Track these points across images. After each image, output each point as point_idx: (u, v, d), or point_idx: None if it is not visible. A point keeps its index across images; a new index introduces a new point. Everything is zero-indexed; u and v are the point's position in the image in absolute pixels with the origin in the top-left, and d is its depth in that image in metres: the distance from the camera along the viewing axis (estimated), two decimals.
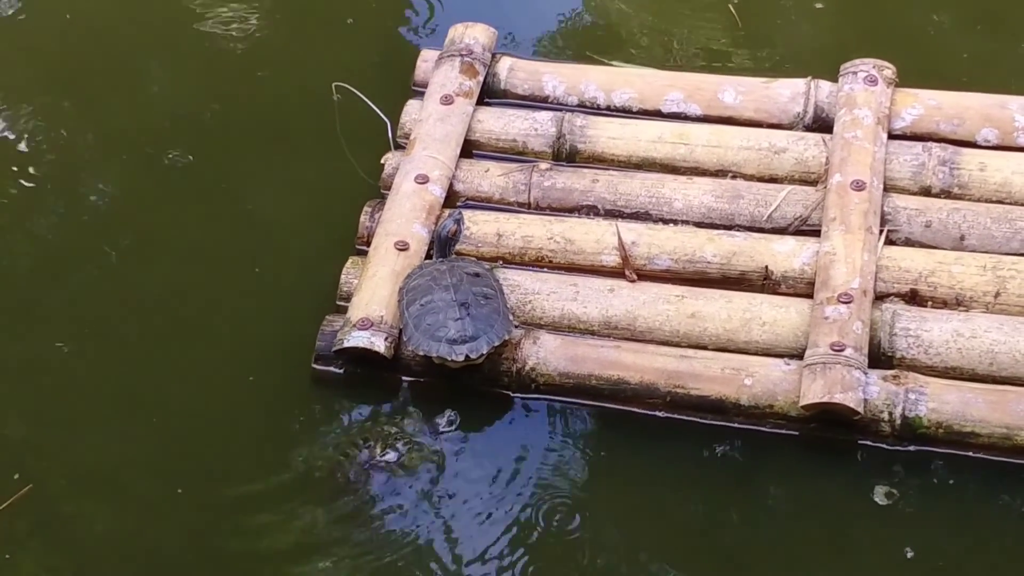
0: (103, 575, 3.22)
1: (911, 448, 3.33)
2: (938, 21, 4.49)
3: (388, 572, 3.19)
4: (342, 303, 3.61)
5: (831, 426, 3.34)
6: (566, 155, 3.92)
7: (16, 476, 3.34)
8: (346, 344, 3.46)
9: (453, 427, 3.43)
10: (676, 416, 3.42)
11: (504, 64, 4.11)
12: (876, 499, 3.28)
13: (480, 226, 3.72)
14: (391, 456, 3.36)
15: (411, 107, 4.04)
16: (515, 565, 3.18)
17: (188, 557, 3.25)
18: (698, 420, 3.41)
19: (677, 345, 3.49)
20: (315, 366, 3.53)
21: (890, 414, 3.31)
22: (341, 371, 3.53)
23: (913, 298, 3.52)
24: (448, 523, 3.27)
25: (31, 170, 4.08)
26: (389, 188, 3.83)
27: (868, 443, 3.34)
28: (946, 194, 3.74)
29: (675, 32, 4.46)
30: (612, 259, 3.66)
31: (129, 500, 3.34)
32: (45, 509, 3.30)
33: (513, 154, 3.95)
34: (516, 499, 3.29)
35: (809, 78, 3.98)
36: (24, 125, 4.20)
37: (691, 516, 3.30)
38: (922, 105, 3.90)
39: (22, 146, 4.14)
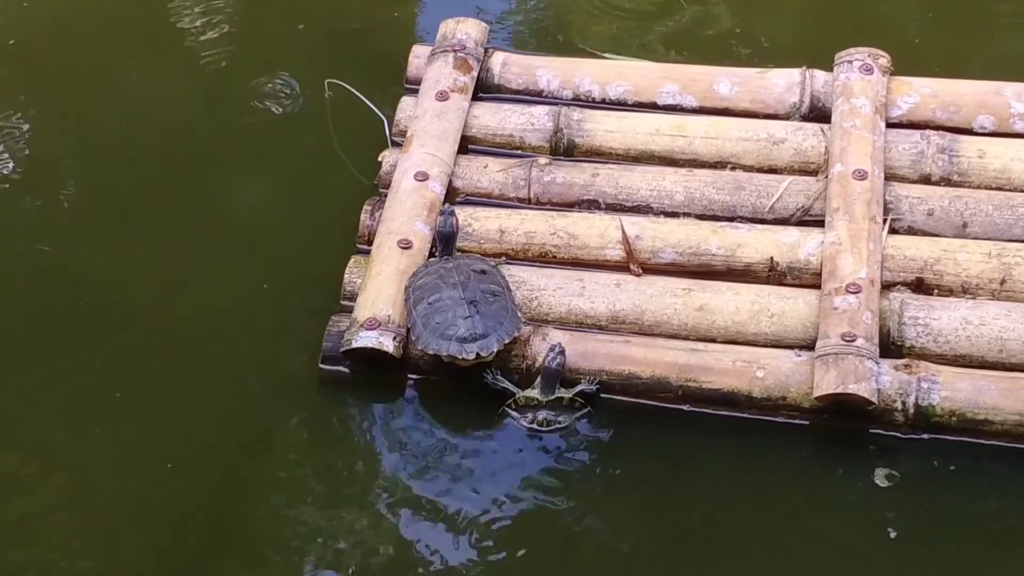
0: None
1: (924, 436, 3.34)
2: (897, 9, 4.51)
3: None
4: (346, 303, 3.58)
5: (843, 416, 3.35)
6: (564, 149, 3.90)
7: None
8: (354, 345, 3.43)
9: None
10: (679, 407, 3.42)
11: (497, 59, 4.09)
12: (876, 481, 3.29)
13: (482, 222, 3.70)
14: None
15: (406, 104, 4.01)
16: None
17: (190, 555, 3.23)
18: (708, 411, 3.41)
19: (685, 338, 3.49)
20: (322, 367, 3.50)
21: (903, 403, 3.31)
22: (348, 371, 3.50)
23: (919, 287, 3.53)
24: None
25: (34, 167, 4.06)
26: (387, 186, 3.80)
27: (880, 431, 3.35)
28: (946, 182, 3.75)
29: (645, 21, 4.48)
30: (616, 253, 3.64)
31: (127, 502, 3.31)
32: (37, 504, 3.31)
33: (510, 149, 3.92)
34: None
35: (804, 68, 3.98)
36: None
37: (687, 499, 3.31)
38: (917, 93, 3.91)
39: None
